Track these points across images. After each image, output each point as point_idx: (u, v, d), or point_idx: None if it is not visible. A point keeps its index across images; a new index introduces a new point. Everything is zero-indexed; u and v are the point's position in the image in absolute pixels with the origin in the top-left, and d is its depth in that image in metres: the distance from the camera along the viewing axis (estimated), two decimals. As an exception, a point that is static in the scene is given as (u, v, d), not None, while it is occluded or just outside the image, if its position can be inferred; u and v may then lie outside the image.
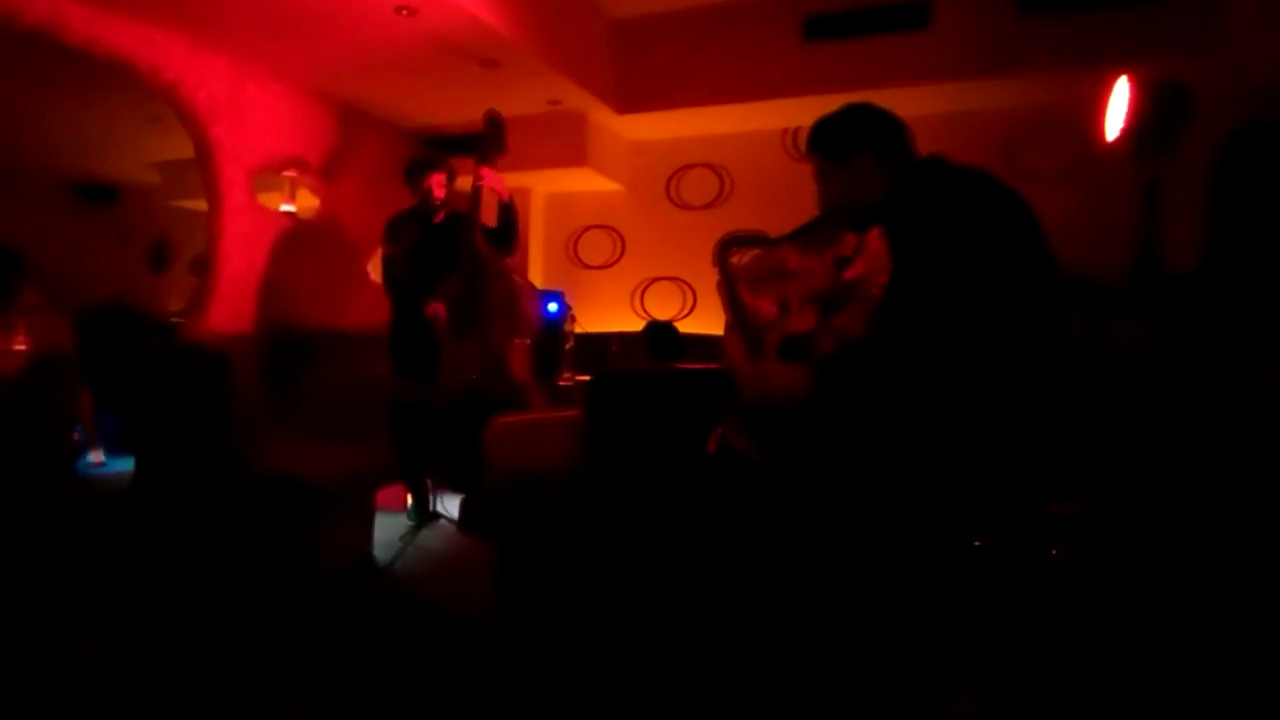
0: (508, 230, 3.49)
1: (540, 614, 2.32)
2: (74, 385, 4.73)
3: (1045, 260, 1.60)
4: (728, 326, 2.25)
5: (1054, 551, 1.51)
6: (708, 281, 3.62)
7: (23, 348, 4.42)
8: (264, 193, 4.40)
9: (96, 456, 4.95)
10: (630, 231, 5.55)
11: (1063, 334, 1.61)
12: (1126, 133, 3.16)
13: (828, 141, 1.80)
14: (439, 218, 3.51)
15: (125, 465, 4.26)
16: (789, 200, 2.73)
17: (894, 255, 1.63)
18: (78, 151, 6.14)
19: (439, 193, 3.46)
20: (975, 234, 1.55)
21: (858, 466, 1.61)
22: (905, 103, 4.51)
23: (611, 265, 5.59)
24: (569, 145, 4.96)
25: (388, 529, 3.36)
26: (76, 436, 4.83)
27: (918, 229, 1.60)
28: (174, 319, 6.06)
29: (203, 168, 4.12)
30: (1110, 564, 1.64)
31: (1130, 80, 3.18)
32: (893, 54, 4.17)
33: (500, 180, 3.41)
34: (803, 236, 2.24)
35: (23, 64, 4.30)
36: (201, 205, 4.43)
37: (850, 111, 1.80)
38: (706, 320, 5.04)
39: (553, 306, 4.87)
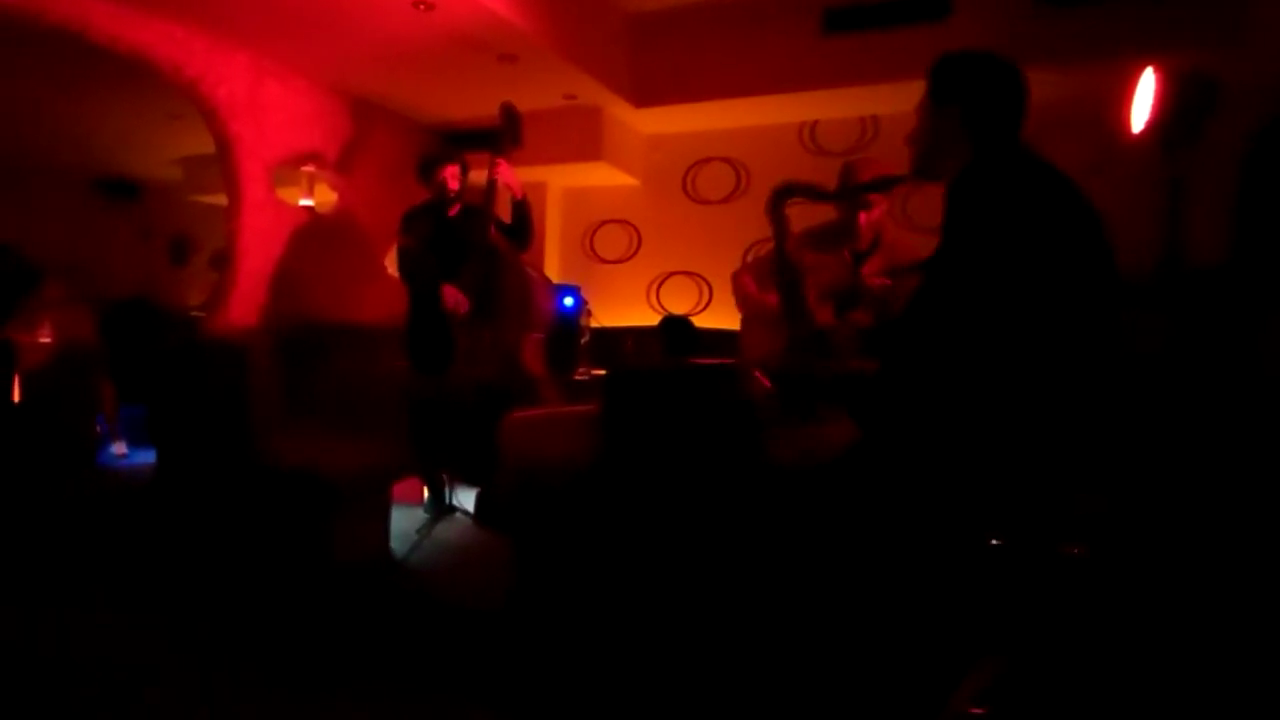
0: (523, 226, 3.50)
1: (554, 610, 2.32)
2: (97, 378, 4.81)
3: (1105, 274, 1.53)
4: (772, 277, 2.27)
5: (1075, 550, 1.50)
6: (724, 276, 3.61)
7: (47, 341, 4.50)
8: (283, 188, 4.44)
9: (119, 448, 5.02)
10: (646, 226, 5.54)
11: (1109, 343, 1.54)
12: (1151, 126, 3.11)
13: (936, 78, 1.70)
14: (454, 211, 3.52)
15: (147, 457, 4.32)
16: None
17: (944, 236, 1.56)
18: (101, 148, 6.22)
19: (453, 184, 3.47)
20: (1035, 240, 1.48)
21: (885, 456, 1.58)
22: (924, 96, 4.47)
23: (628, 259, 5.59)
24: (585, 140, 4.96)
25: (404, 522, 3.38)
26: (99, 428, 4.91)
27: (973, 220, 1.53)
28: (194, 313, 6.13)
29: (223, 163, 4.16)
30: (1132, 562, 1.62)
31: (1157, 71, 3.13)
32: (912, 46, 4.12)
33: (514, 176, 3.41)
34: (867, 189, 2.22)
35: (47, 62, 4.36)
36: (221, 200, 4.47)
37: (969, 59, 1.68)
38: (722, 315, 5.02)
39: (569, 301, 4.87)
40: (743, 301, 2.95)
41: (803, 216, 2.76)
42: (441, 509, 3.51)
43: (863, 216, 2.67)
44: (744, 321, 3.02)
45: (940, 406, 1.53)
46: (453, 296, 3.30)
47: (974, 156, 1.63)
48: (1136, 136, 3.18)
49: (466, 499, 3.51)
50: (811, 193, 2.23)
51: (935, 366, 1.54)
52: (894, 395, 1.61)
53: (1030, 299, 1.48)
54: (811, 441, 1.78)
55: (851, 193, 2.38)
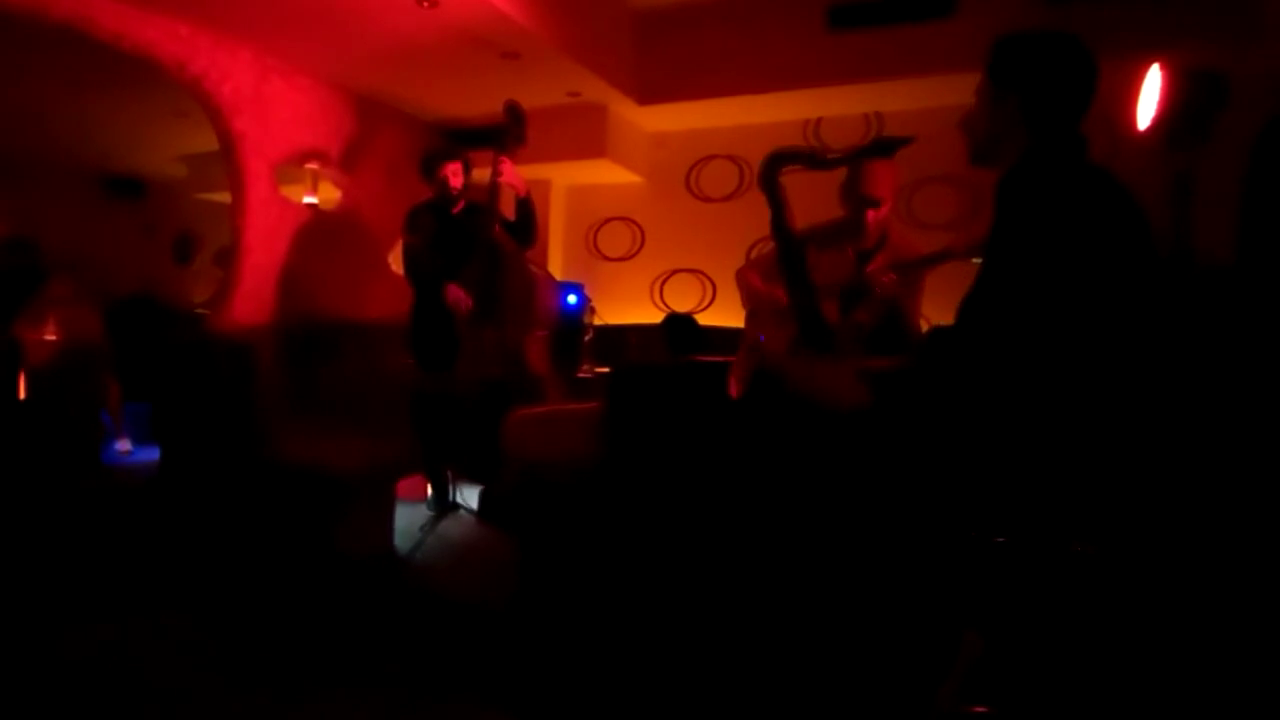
0: (526, 224, 3.50)
1: (558, 607, 2.32)
2: (102, 375, 4.83)
3: (1149, 281, 1.49)
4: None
5: (1079, 547, 1.49)
6: (728, 274, 3.61)
7: (53, 338, 4.51)
8: (287, 185, 4.44)
9: (124, 445, 5.04)
10: (650, 223, 5.54)
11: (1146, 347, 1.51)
12: (1158, 122, 3.09)
13: (999, 60, 1.60)
14: (457, 208, 3.52)
15: (152, 454, 4.33)
16: (810, 192, 2.71)
17: (995, 236, 1.49)
18: (105, 146, 6.23)
19: (455, 181, 3.47)
20: (1086, 247, 1.43)
21: (909, 456, 1.56)
22: (930, 93, 4.50)
23: (631, 257, 5.58)
24: (589, 137, 4.96)
25: (408, 518, 3.39)
26: (104, 425, 4.92)
27: (1025, 223, 1.46)
28: (199, 310, 6.14)
29: (227, 161, 4.16)
30: (1136, 562, 1.62)
31: (1163, 68, 3.11)
32: (917, 43, 4.11)
33: (517, 174, 3.40)
34: (868, 153, 2.09)
35: (52, 60, 4.37)
36: (226, 198, 4.48)
37: (1035, 41, 1.57)
38: (726, 312, 5.02)
39: (572, 299, 4.87)
40: (748, 296, 2.95)
41: (821, 210, 2.76)
42: (445, 506, 3.51)
43: (870, 215, 2.66)
44: (748, 317, 3.02)
45: (983, 401, 1.49)
46: (454, 295, 3.30)
47: (1031, 145, 1.53)
48: (1143, 133, 3.17)
49: (470, 496, 3.52)
50: (808, 159, 2.08)
51: (985, 362, 1.49)
52: (939, 388, 1.56)
53: (1077, 302, 1.43)
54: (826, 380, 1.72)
55: (851, 158, 2.19)
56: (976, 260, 1.64)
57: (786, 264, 2.11)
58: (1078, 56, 1.55)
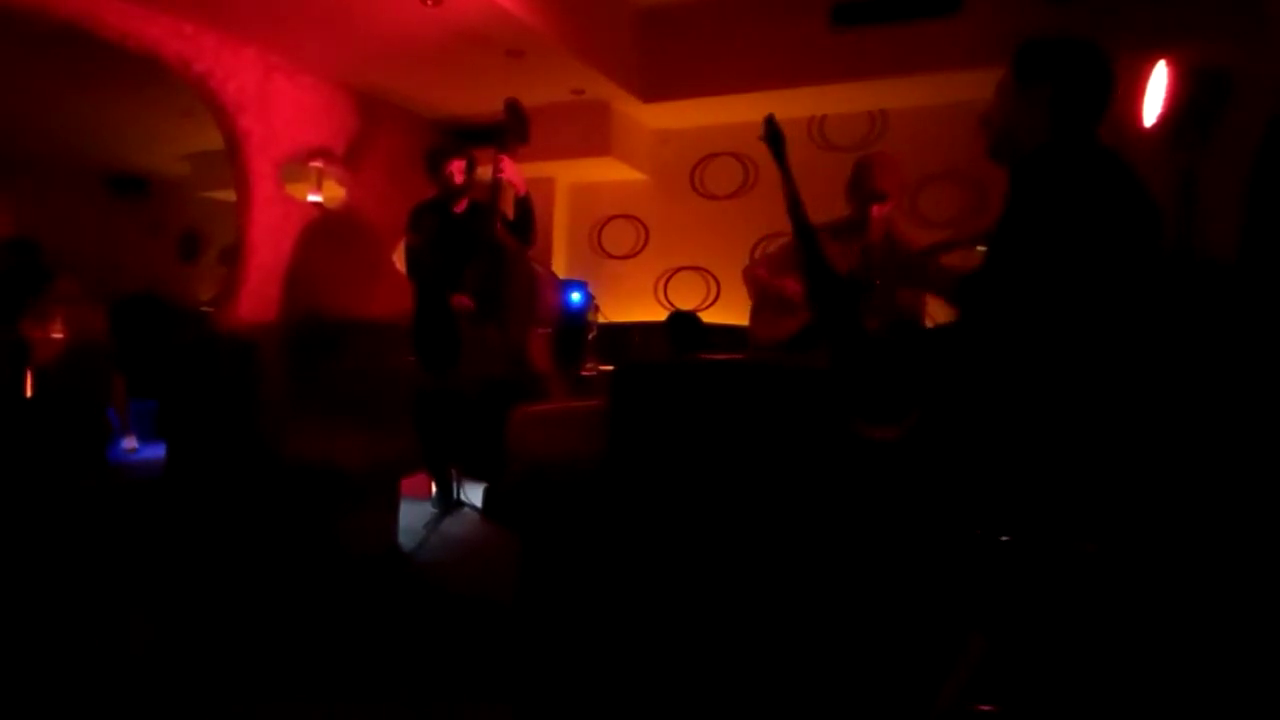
0: (525, 223, 3.49)
1: (561, 605, 2.33)
2: (108, 373, 4.85)
3: (1155, 272, 1.53)
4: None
5: (1089, 546, 1.49)
6: (731, 271, 3.62)
7: (59, 336, 4.54)
8: (291, 183, 4.45)
9: (129, 443, 5.06)
10: (654, 221, 5.53)
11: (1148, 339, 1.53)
12: (1163, 120, 3.09)
13: (1026, 59, 1.67)
14: (460, 207, 3.52)
15: (157, 451, 4.35)
16: (815, 190, 2.71)
17: (1009, 213, 1.53)
18: (111, 144, 6.25)
19: (459, 179, 3.47)
20: (1101, 230, 1.46)
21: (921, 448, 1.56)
22: (935, 90, 4.49)
23: (635, 255, 5.58)
24: (593, 135, 4.95)
25: (413, 516, 3.40)
26: (110, 423, 4.95)
27: (1043, 200, 1.50)
28: (204, 308, 6.16)
29: (232, 159, 4.17)
30: (1137, 560, 1.62)
31: (1170, 65, 3.10)
32: (922, 40, 4.10)
33: (518, 172, 3.41)
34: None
35: (57, 59, 4.38)
36: (230, 196, 4.49)
37: (1064, 42, 1.64)
38: (730, 311, 5.02)
39: (576, 296, 4.87)
40: (753, 285, 2.95)
41: (826, 207, 2.78)
42: (449, 504, 3.52)
43: (875, 210, 2.66)
44: (754, 309, 3.02)
45: (989, 387, 1.51)
46: (459, 302, 3.31)
47: (1051, 139, 1.59)
48: (1148, 130, 3.16)
49: (475, 494, 3.53)
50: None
51: (990, 343, 1.51)
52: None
53: (1089, 283, 1.45)
54: None
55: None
56: (981, 248, 1.65)
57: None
58: (1100, 60, 1.63)
